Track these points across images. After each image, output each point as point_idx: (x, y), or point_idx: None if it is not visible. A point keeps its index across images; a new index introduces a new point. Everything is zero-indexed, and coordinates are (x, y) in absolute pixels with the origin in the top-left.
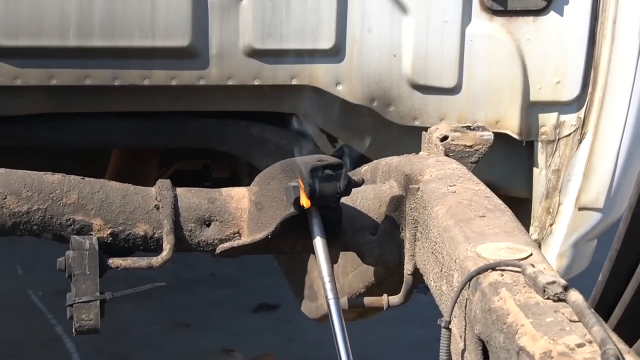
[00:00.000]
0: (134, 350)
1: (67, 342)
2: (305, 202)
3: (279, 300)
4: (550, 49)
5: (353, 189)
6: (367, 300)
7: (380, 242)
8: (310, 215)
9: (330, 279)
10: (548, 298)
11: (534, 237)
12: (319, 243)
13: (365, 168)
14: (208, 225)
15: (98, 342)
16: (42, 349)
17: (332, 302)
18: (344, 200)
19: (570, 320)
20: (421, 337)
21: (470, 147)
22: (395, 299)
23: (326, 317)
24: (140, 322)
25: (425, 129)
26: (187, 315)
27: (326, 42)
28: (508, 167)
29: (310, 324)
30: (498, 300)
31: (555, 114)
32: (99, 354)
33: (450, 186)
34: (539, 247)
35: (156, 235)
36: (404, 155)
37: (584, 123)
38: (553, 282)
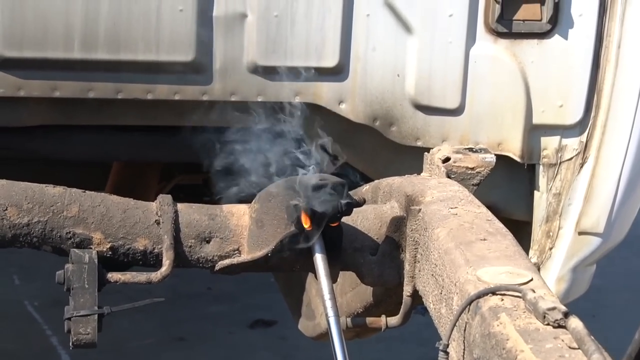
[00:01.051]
0: None
1: (62, 354)
2: (305, 222)
3: (275, 317)
4: (554, 72)
5: (354, 209)
6: (366, 320)
7: (380, 262)
8: (312, 232)
9: (330, 297)
10: (548, 324)
11: (534, 260)
12: (319, 260)
13: (366, 188)
14: (208, 242)
15: (93, 355)
16: (37, 359)
17: (332, 320)
18: (344, 219)
19: (569, 347)
20: (418, 357)
21: (472, 169)
22: (393, 320)
23: (323, 336)
24: (136, 335)
25: (428, 149)
26: (183, 330)
27: (330, 60)
28: (509, 189)
29: (306, 342)
30: (498, 325)
31: (558, 137)
32: None
33: (451, 208)
34: (538, 270)
35: (156, 250)
36: (406, 175)
37: (586, 147)
38: (553, 308)
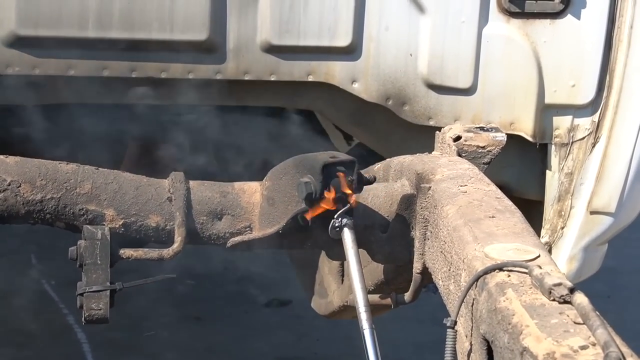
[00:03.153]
0: (145, 342)
1: (78, 332)
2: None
3: (290, 296)
4: (567, 52)
5: (365, 187)
6: (376, 297)
7: (391, 240)
8: (344, 239)
9: (366, 309)
10: (554, 300)
11: (545, 240)
12: (354, 272)
13: (378, 166)
14: (220, 219)
15: (109, 333)
16: (53, 338)
17: (367, 332)
18: (355, 197)
19: (575, 322)
20: (433, 337)
21: (483, 148)
22: (403, 297)
23: (335, 314)
24: (152, 314)
25: (440, 128)
26: (199, 309)
27: (343, 39)
28: (521, 169)
29: (322, 321)
30: (504, 301)
31: (570, 117)
32: (109, 345)
33: (461, 186)
34: (550, 250)
35: (168, 227)
36: (417, 154)
37: (598, 127)
38: (559, 284)
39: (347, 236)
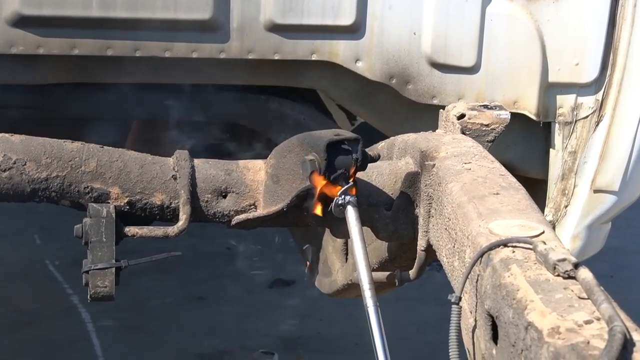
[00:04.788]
0: (149, 321)
1: (82, 312)
2: (318, 210)
3: (294, 277)
4: (570, 30)
5: (369, 165)
6: (380, 275)
7: (395, 217)
8: (347, 217)
9: (370, 287)
10: (558, 275)
11: (549, 218)
12: (358, 250)
13: (382, 144)
14: (224, 197)
15: (113, 313)
16: (58, 318)
17: (371, 310)
18: (359, 175)
19: (579, 297)
20: (436, 317)
21: (487, 126)
22: (408, 275)
23: (339, 293)
24: (155, 294)
25: (444, 107)
26: (203, 289)
27: (347, 18)
28: (525, 147)
29: (325, 301)
30: (508, 276)
31: (574, 95)
32: (113, 325)
33: (465, 163)
34: (554, 228)
35: (173, 205)
36: (421, 132)
37: (601, 105)
38: (564, 260)
39: (351, 214)
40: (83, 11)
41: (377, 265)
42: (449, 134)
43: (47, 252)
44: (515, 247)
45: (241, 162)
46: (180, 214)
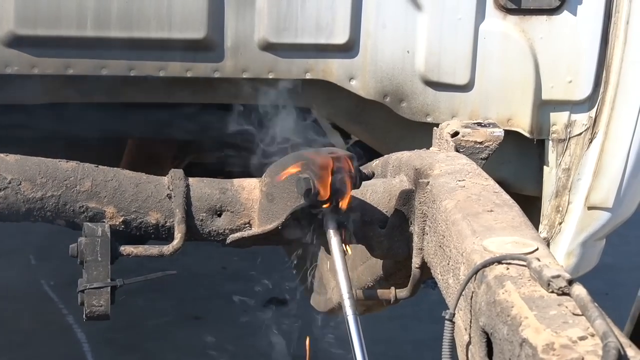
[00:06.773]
0: (145, 341)
1: (77, 332)
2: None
3: (289, 295)
4: (563, 48)
5: (363, 183)
6: (375, 293)
7: (389, 235)
8: (329, 236)
9: (349, 296)
10: (552, 291)
11: (543, 235)
12: (338, 260)
13: (376, 162)
14: (219, 215)
15: (109, 333)
16: (53, 338)
17: (351, 319)
18: (354, 193)
19: (573, 314)
20: (431, 335)
21: (481, 143)
22: (402, 292)
23: (334, 311)
24: (151, 314)
25: (438, 125)
26: (198, 308)
27: (340, 36)
28: (519, 165)
29: (321, 321)
30: (503, 293)
31: (567, 113)
32: (109, 345)
33: (459, 181)
34: (548, 245)
35: (168, 224)
36: (415, 150)
37: (595, 122)
38: (557, 276)
39: (330, 223)
40: (78, 31)
41: (372, 283)
42: (443, 151)
43: (43, 272)
44: (509, 264)
45: (236, 181)
46: (175, 232)
